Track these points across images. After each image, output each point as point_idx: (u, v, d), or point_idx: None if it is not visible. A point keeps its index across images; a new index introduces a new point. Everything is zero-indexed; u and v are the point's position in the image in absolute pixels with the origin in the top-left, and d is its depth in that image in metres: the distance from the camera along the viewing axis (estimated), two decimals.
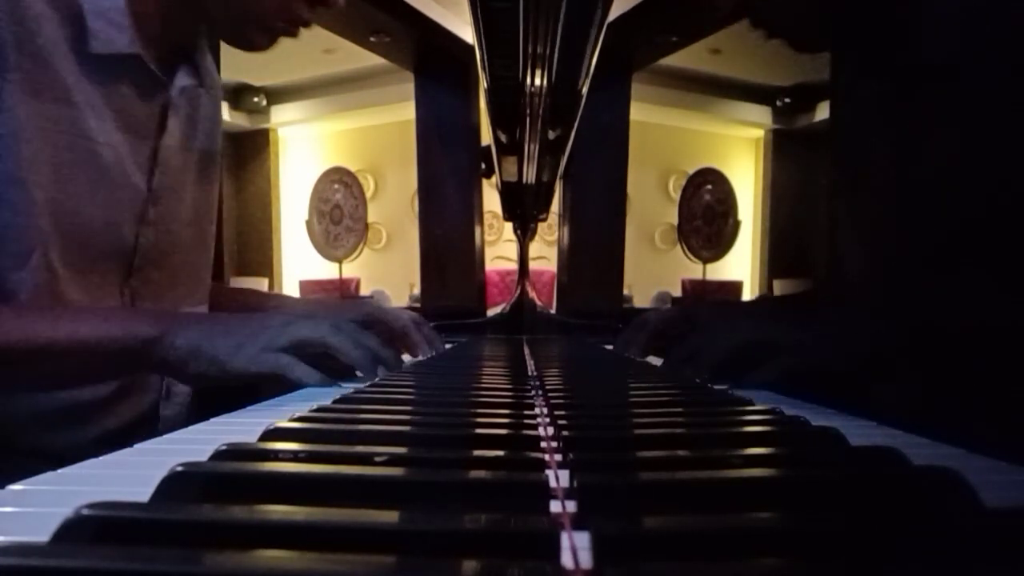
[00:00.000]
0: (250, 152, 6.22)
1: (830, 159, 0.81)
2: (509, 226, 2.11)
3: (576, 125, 1.34)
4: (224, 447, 0.29)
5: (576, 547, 0.20)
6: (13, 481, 0.27)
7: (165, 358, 0.59)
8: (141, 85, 0.67)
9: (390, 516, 0.21)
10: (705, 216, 5.84)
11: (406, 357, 0.89)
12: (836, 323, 0.61)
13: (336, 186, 5.86)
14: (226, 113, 5.59)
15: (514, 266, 2.20)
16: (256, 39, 0.70)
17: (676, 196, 5.96)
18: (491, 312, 2.31)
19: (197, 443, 0.35)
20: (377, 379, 0.62)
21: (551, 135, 1.35)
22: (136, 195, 0.68)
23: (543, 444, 0.33)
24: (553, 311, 2.23)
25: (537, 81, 1.01)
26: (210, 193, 0.81)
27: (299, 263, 6.08)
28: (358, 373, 0.63)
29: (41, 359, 0.57)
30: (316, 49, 4.85)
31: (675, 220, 5.86)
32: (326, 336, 0.61)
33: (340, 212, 5.84)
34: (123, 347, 0.59)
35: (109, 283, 0.67)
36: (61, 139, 0.61)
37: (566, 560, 0.19)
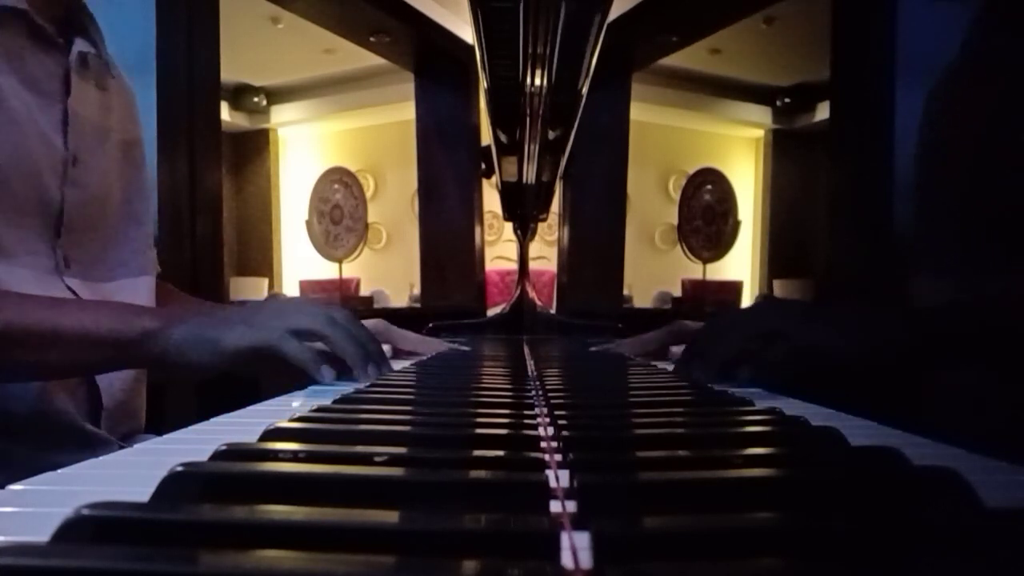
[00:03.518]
0: (250, 152, 6.22)
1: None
2: (509, 226, 2.11)
3: (576, 125, 1.34)
4: (224, 447, 0.29)
5: (576, 547, 0.20)
6: (13, 481, 0.27)
7: (164, 349, 0.60)
8: (37, 42, 0.70)
9: (390, 516, 0.21)
10: (705, 216, 5.84)
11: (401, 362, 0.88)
12: (849, 318, 0.61)
13: (336, 186, 5.86)
14: (226, 113, 5.59)
15: (514, 266, 2.20)
16: None
17: (676, 196, 5.95)
18: (491, 312, 2.31)
19: (197, 443, 0.35)
20: (369, 378, 0.62)
21: (551, 135, 1.35)
22: (53, 152, 0.69)
23: (543, 444, 0.33)
24: (553, 311, 2.23)
25: (537, 81, 1.01)
26: (137, 178, 0.83)
27: (299, 263, 6.07)
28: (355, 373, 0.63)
29: (42, 346, 0.58)
30: (316, 49, 4.85)
31: (675, 220, 5.85)
32: (321, 326, 0.62)
33: (340, 212, 5.83)
34: (122, 338, 0.60)
35: (41, 239, 0.68)
36: None
37: (566, 560, 0.19)
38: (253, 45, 4.73)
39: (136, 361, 0.68)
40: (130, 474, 0.30)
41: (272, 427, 0.34)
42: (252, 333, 0.60)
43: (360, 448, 0.31)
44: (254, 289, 5.57)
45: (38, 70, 0.70)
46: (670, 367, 0.77)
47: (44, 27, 0.70)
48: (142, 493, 0.24)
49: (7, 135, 0.65)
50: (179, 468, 0.25)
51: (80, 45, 0.74)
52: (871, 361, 0.58)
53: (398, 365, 0.82)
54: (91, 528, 0.20)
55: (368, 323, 0.88)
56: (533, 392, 0.52)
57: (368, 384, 0.59)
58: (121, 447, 0.68)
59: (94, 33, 0.77)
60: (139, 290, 0.80)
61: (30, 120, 0.67)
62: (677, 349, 0.83)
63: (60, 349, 0.59)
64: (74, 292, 0.70)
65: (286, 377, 0.61)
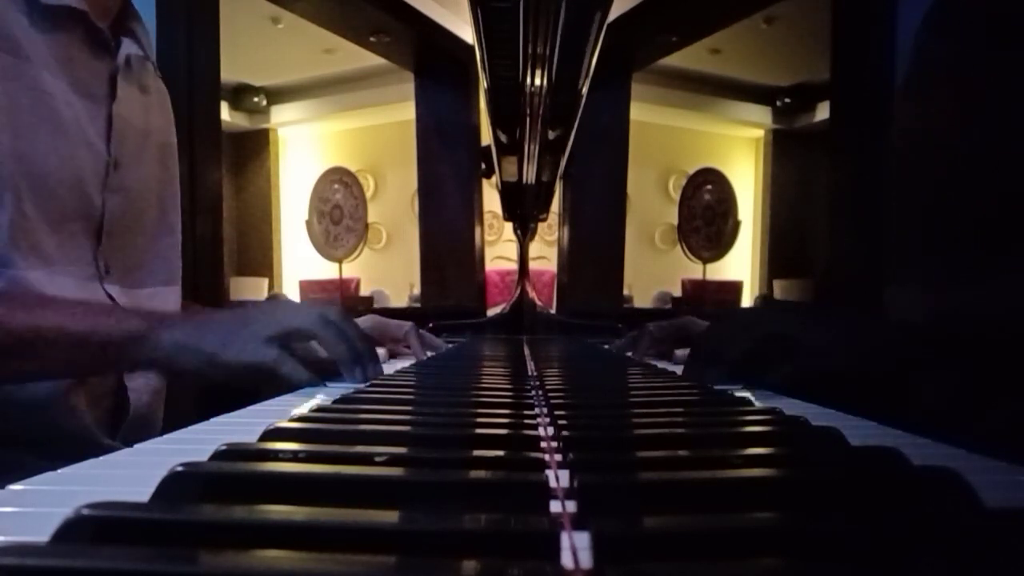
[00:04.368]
0: (250, 152, 6.21)
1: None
2: (509, 226, 2.11)
3: (576, 125, 1.34)
4: (224, 447, 0.29)
5: (576, 547, 0.20)
6: (13, 481, 0.27)
7: (152, 355, 0.60)
8: (89, 45, 0.69)
9: (390, 516, 0.21)
10: (705, 216, 5.84)
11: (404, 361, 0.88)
12: (855, 323, 0.61)
13: (336, 186, 5.86)
14: (226, 113, 5.59)
15: (514, 266, 2.20)
16: None
17: (676, 196, 5.95)
18: (491, 312, 2.31)
19: (197, 443, 0.35)
20: (358, 379, 0.61)
21: (551, 135, 1.35)
22: (97, 157, 0.69)
23: (543, 444, 0.33)
24: (553, 311, 2.23)
25: (537, 81, 1.01)
26: (171, 184, 0.83)
27: (299, 263, 6.07)
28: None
29: (29, 349, 0.57)
30: (316, 49, 4.85)
31: (675, 220, 5.85)
32: (314, 325, 0.62)
33: (340, 212, 5.83)
34: (109, 341, 0.59)
35: (82, 246, 0.68)
36: (16, 89, 0.62)
37: (566, 560, 0.19)
38: (253, 45, 4.73)
39: (122, 364, 0.67)
40: (130, 474, 0.30)
41: (272, 427, 0.34)
42: (249, 350, 0.59)
43: (360, 448, 0.31)
44: (254, 289, 5.57)
45: (87, 74, 0.69)
46: (671, 367, 0.77)
47: (101, 29, 0.69)
48: (142, 493, 0.24)
49: (56, 144, 0.64)
50: (179, 468, 0.25)
51: (128, 47, 0.73)
52: (875, 365, 0.58)
53: (398, 365, 0.82)
54: (91, 528, 0.20)
55: (361, 321, 0.88)
56: (533, 392, 0.52)
57: (367, 384, 0.59)
58: None
59: (142, 34, 0.76)
60: (169, 299, 0.79)
61: (77, 127, 0.67)
62: (681, 353, 0.83)
63: (49, 350, 0.58)
64: (112, 299, 0.70)
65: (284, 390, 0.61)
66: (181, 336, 0.60)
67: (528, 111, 1.17)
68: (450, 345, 1.15)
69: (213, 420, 0.44)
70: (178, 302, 0.82)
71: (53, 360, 0.60)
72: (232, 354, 0.59)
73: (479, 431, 0.37)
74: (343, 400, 0.48)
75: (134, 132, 0.74)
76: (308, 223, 5.80)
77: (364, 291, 5.42)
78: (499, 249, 4.49)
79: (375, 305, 3.96)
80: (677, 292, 5.27)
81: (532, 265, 2.09)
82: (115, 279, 0.71)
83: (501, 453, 0.32)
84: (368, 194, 5.95)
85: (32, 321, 0.58)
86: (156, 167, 0.79)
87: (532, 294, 2.02)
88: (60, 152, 0.65)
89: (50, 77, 0.64)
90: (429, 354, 1.00)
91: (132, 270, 0.75)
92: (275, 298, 4.15)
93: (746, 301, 5.70)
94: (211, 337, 0.60)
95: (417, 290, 2.72)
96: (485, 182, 2.27)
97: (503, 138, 1.41)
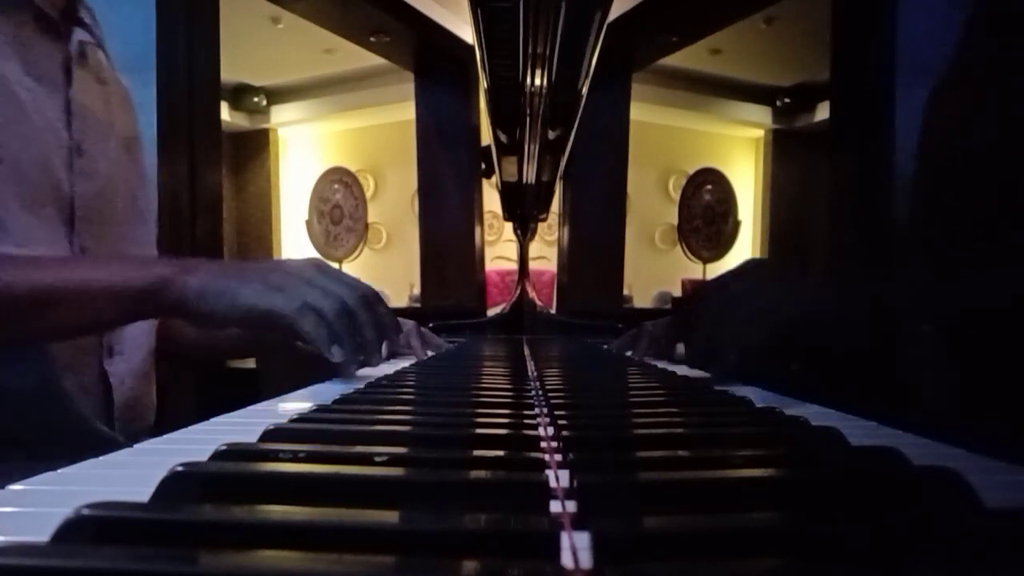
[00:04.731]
0: (250, 152, 6.22)
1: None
2: (509, 226, 2.11)
3: (576, 125, 1.34)
4: (224, 447, 0.29)
5: (576, 547, 0.20)
6: (13, 481, 0.27)
7: (181, 296, 0.60)
8: (39, 31, 0.70)
9: (390, 516, 0.21)
10: (705, 216, 5.84)
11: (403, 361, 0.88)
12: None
13: (336, 186, 5.86)
14: (226, 113, 5.59)
15: (514, 266, 2.20)
16: None
17: (676, 196, 5.96)
18: (491, 312, 2.31)
19: (197, 443, 0.35)
20: (334, 357, 0.60)
21: (551, 135, 1.36)
22: (60, 140, 0.69)
23: (543, 444, 0.33)
24: (553, 311, 2.23)
25: (537, 81, 1.01)
26: (140, 176, 0.83)
27: None
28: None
29: (58, 302, 0.58)
30: (316, 49, 4.85)
31: (675, 220, 5.86)
32: (325, 309, 0.60)
33: (340, 212, 5.84)
34: (140, 288, 0.60)
35: (56, 230, 0.68)
36: None
37: (566, 560, 0.19)
38: (253, 45, 4.74)
39: (154, 310, 0.67)
40: (130, 474, 0.30)
41: (272, 427, 0.34)
42: (270, 296, 0.59)
43: (360, 448, 0.31)
44: None
45: (41, 58, 0.70)
46: (671, 367, 0.77)
47: (49, 14, 0.70)
48: (142, 493, 0.24)
49: (17, 125, 0.65)
50: (179, 468, 0.25)
51: (80, 35, 0.74)
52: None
53: (398, 365, 0.82)
54: (91, 528, 0.20)
55: (409, 323, 0.89)
56: (533, 392, 0.52)
57: (366, 384, 0.59)
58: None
59: (93, 26, 0.77)
60: None
61: (36, 109, 0.67)
62: (681, 352, 0.82)
63: (77, 303, 0.59)
64: None
65: (287, 355, 0.60)
66: (207, 279, 0.60)
67: (528, 111, 1.17)
68: (450, 345, 1.15)
69: (213, 420, 0.44)
70: None
71: (82, 313, 0.60)
72: (254, 295, 0.59)
73: (479, 431, 0.37)
74: (343, 400, 0.48)
75: (95, 120, 0.74)
76: (308, 223, 5.81)
77: None
78: (499, 249, 4.49)
79: None
80: (677, 292, 5.26)
81: (532, 265, 2.09)
82: None
83: (501, 453, 0.32)
84: (368, 194, 5.96)
85: (57, 276, 0.59)
86: (123, 158, 0.79)
87: (532, 294, 2.02)
88: (25, 134, 0.65)
89: (2, 60, 0.65)
90: (429, 353, 1.00)
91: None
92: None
93: None
94: (235, 280, 0.60)
95: (417, 290, 2.72)
96: (485, 182, 2.27)
97: (503, 138, 1.41)
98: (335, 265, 5.46)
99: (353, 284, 0.64)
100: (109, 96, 0.79)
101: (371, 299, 0.65)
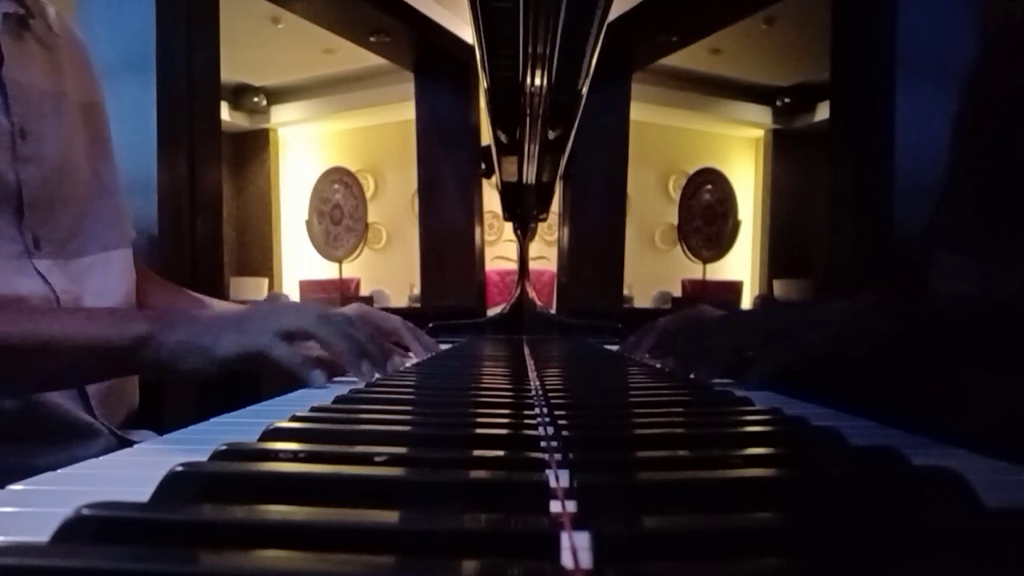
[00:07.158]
0: (250, 152, 6.22)
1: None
2: (509, 226, 2.11)
3: (576, 125, 1.34)
4: (224, 447, 0.29)
5: (576, 547, 0.20)
6: (13, 481, 0.27)
7: (157, 356, 0.60)
8: None
9: (390, 516, 0.21)
10: (705, 216, 5.84)
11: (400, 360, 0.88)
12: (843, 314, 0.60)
13: (336, 186, 5.86)
14: (226, 113, 5.59)
15: (514, 266, 2.20)
16: None
17: (676, 196, 5.95)
18: (491, 312, 2.31)
19: (197, 443, 0.35)
20: (364, 375, 0.62)
21: (551, 135, 1.36)
22: None
23: (543, 444, 0.33)
24: (553, 311, 2.23)
25: (537, 81, 1.01)
26: (103, 145, 0.79)
27: (299, 263, 6.08)
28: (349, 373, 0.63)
29: (38, 358, 0.57)
30: (316, 49, 4.85)
31: (675, 220, 5.85)
32: (312, 325, 0.62)
33: (340, 212, 5.83)
34: (114, 347, 0.59)
35: (3, 222, 0.65)
36: None
37: (566, 560, 0.19)
38: (253, 45, 4.74)
39: (130, 368, 0.67)
40: (130, 474, 0.30)
41: (272, 427, 0.34)
42: (242, 339, 0.60)
43: (360, 448, 0.31)
44: (254, 289, 5.57)
45: None
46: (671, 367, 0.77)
47: None
48: (142, 493, 0.24)
49: None
50: (179, 468, 0.25)
51: (5, 6, 0.66)
52: (862, 354, 0.58)
53: (398, 365, 0.82)
54: (91, 528, 0.20)
55: (346, 309, 0.87)
56: (533, 392, 0.52)
57: (370, 381, 0.59)
58: (116, 436, 0.68)
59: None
60: (112, 264, 0.76)
61: None
62: None
63: (53, 359, 0.58)
64: (43, 276, 0.67)
65: (283, 376, 0.61)
66: (182, 336, 0.60)
67: (528, 111, 1.17)
68: (443, 346, 1.15)
69: (213, 420, 0.44)
70: (128, 266, 0.78)
71: (61, 367, 0.59)
72: (227, 345, 0.59)
73: (479, 431, 0.37)
74: (343, 400, 0.48)
75: (40, 95, 0.69)
76: (308, 223, 5.80)
77: (364, 291, 5.43)
78: (499, 249, 4.49)
79: (375, 305, 3.96)
80: (677, 292, 5.27)
81: (532, 265, 2.09)
82: (48, 252, 0.68)
83: (501, 453, 0.32)
84: (368, 194, 5.95)
85: (38, 329, 0.57)
86: (80, 129, 0.74)
87: (532, 294, 2.02)
88: None
89: None
90: (418, 348, 0.99)
91: (67, 240, 0.71)
92: (275, 298, 4.15)
93: (746, 301, 5.71)
94: (211, 337, 0.60)
95: (417, 290, 2.72)
96: (485, 182, 2.26)
97: (503, 138, 1.41)
98: (335, 265, 5.47)
99: (327, 310, 0.65)
100: (60, 62, 0.73)
101: (344, 319, 0.65)
